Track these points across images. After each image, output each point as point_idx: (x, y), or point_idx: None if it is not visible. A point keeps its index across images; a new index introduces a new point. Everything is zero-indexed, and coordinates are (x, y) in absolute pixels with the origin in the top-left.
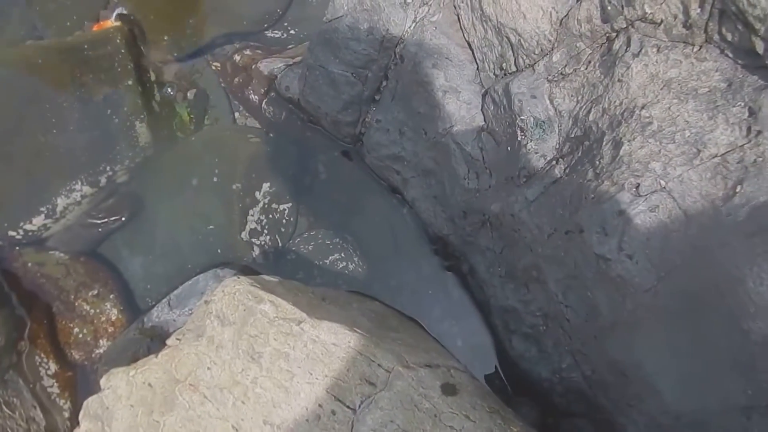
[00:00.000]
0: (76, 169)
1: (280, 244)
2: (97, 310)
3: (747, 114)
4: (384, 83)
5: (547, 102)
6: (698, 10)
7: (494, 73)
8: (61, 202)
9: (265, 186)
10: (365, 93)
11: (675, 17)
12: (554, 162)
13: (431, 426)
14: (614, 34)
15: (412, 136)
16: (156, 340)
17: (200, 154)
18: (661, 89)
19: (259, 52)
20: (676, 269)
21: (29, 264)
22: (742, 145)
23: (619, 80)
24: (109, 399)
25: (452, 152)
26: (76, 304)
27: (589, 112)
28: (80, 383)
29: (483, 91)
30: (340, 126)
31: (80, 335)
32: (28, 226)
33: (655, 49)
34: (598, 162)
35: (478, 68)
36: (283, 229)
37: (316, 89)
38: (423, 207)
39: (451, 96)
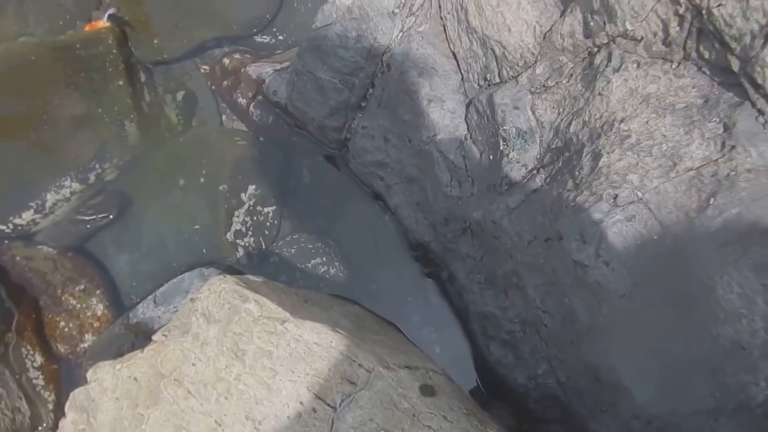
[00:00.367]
0: (66, 166)
1: (263, 247)
2: (84, 305)
3: (722, 129)
4: (370, 90)
5: (530, 113)
6: (677, 28)
7: (478, 84)
8: (50, 197)
9: (251, 188)
10: (352, 99)
11: (655, 34)
12: (535, 171)
13: (409, 425)
14: (596, 49)
15: (397, 143)
16: (140, 336)
17: (188, 155)
18: (640, 104)
19: (248, 56)
20: (651, 276)
21: (17, 258)
22: (717, 160)
23: (599, 94)
24: (95, 391)
25: (435, 160)
26: (63, 298)
27: (570, 124)
28: (64, 376)
29: (467, 101)
30: (326, 131)
31: (66, 329)
32: (17, 221)
33: (635, 65)
34: (577, 173)
35: (462, 78)
36: (267, 232)
37: (304, 94)
38: (405, 214)
39: (435, 105)
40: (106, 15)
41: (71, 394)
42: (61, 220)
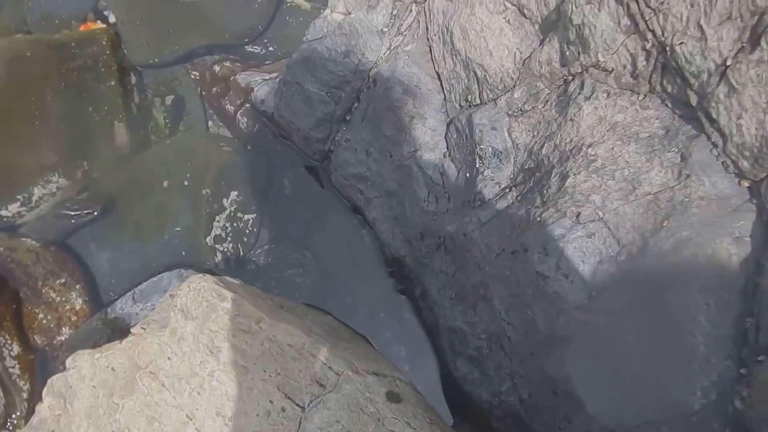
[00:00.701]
0: (54, 162)
1: (241, 253)
2: (63, 299)
3: (679, 159)
4: (356, 104)
5: (506, 134)
6: (644, 63)
7: (459, 104)
8: (37, 191)
9: (233, 194)
10: (337, 112)
11: (624, 67)
12: (507, 189)
13: (374, 429)
14: (570, 78)
15: (378, 157)
16: (117, 332)
17: (173, 158)
18: (607, 131)
19: (238, 64)
20: (606, 290)
21: (1, 248)
22: (673, 186)
23: (571, 120)
24: (73, 378)
25: (415, 175)
26: (43, 291)
27: (542, 146)
28: (40, 367)
29: (448, 120)
30: (310, 142)
31: (44, 321)
32: (3, 212)
33: (605, 94)
34: (546, 191)
35: (445, 98)
36: (245, 239)
37: (291, 105)
38: (383, 228)
39: (417, 122)
40: (102, 16)
41: (49, 380)
42: (46, 214)
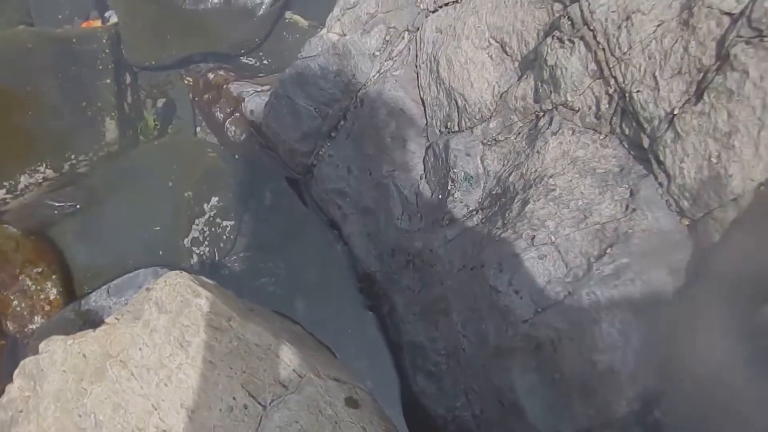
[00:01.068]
0: (43, 153)
1: (217, 258)
2: (38, 288)
3: (628, 194)
4: (342, 122)
5: (479, 161)
6: (607, 106)
7: (440, 130)
8: (23, 180)
9: (214, 200)
10: (323, 128)
11: (589, 108)
12: (474, 212)
13: (330, 431)
14: (542, 114)
15: (359, 174)
16: (89, 324)
17: (159, 159)
18: (569, 164)
19: (232, 74)
20: (551, 307)
21: None
22: (620, 218)
23: (538, 152)
24: (44, 362)
25: (391, 194)
26: (20, 278)
27: (510, 174)
28: (10, 353)
29: (428, 143)
30: (295, 155)
31: (18, 308)
32: None
33: (570, 131)
34: (507, 215)
35: (427, 123)
36: (222, 244)
37: (280, 117)
38: (357, 243)
39: (398, 143)
40: (105, 16)
41: (21, 363)
42: (30, 203)
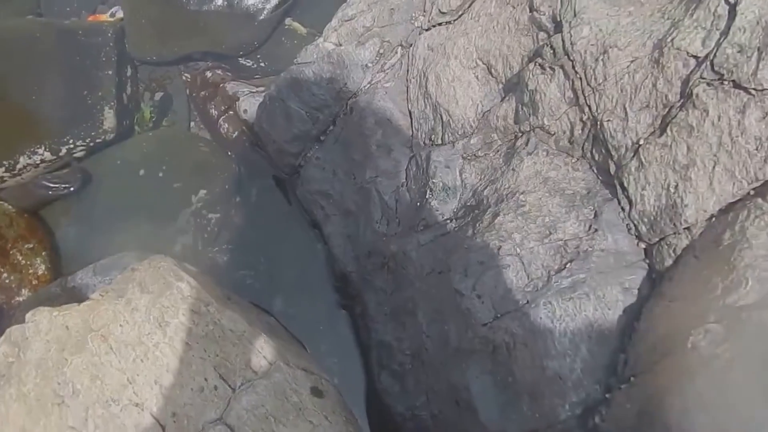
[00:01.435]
0: (43, 136)
1: (200, 248)
2: (28, 263)
3: (593, 216)
4: (331, 127)
5: (457, 174)
6: (580, 131)
7: (424, 142)
8: (22, 160)
9: (202, 192)
10: (313, 131)
11: (564, 132)
12: (449, 221)
13: (294, 417)
14: (520, 134)
15: (343, 178)
16: (73, 300)
17: (153, 150)
18: (540, 183)
19: (229, 74)
20: (509, 313)
21: None
22: (582, 237)
23: (513, 169)
24: (30, 331)
25: (372, 198)
26: (11, 252)
27: (485, 188)
28: None
29: (411, 154)
30: (283, 155)
31: (7, 281)
32: None
33: (545, 153)
34: (478, 225)
35: (412, 135)
36: (206, 236)
37: (272, 118)
38: (336, 243)
39: (383, 151)
40: (111, 11)
41: (8, 330)
42: (27, 182)
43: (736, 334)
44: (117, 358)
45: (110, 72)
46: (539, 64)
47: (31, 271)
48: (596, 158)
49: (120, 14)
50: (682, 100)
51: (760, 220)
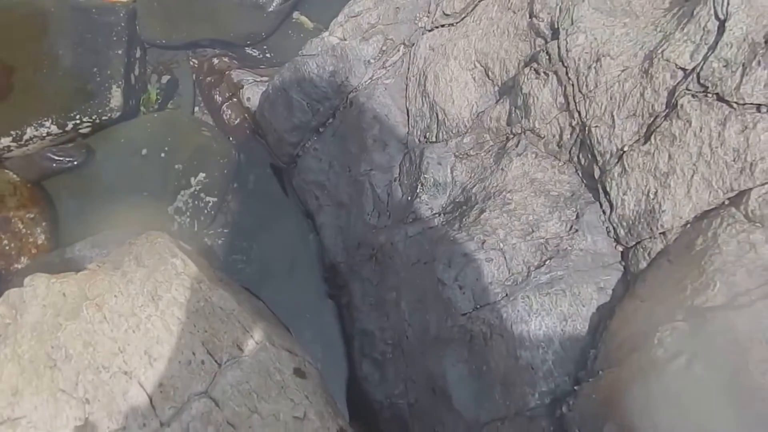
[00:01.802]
0: (51, 110)
1: (196, 229)
2: (28, 231)
3: (574, 217)
4: (330, 120)
5: (448, 171)
6: (569, 136)
7: (419, 139)
8: (29, 132)
9: (201, 175)
10: (312, 123)
11: (553, 136)
12: (437, 215)
13: (276, 394)
14: (512, 136)
15: (339, 170)
16: (70, 269)
17: (156, 131)
18: (527, 183)
19: (235, 62)
20: (488, 305)
21: None
22: (562, 237)
23: (502, 169)
24: (27, 295)
25: (365, 191)
26: (13, 220)
27: (474, 186)
28: None
29: (406, 150)
30: (283, 144)
31: (7, 247)
32: None
33: (534, 155)
34: (465, 220)
35: (408, 132)
36: (202, 218)
37: (274, 107)
38: (328, 233)
39: (379, 146)
40: None
41: (6, 292)
42: (32, 154)
43: (700, 333)
44: (110, 327)
45: (120, 52)
46: (534, 69)
47: (31, 239)
48: (582, 162)
49: None
50: (667, 110)
51: (732, 228)
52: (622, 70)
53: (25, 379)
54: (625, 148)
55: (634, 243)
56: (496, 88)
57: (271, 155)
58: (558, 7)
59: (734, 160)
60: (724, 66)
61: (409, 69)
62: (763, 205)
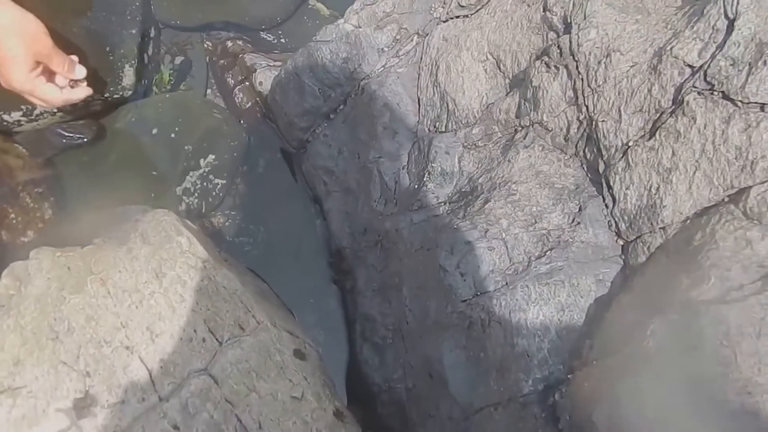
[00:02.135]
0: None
1: (203, 210)
2: (36, 206)
3: (577, 210)
4: (341, 106)
5: (456, 161)
6: (576, 130)
7: (428, 129)
8: (40, 107)
9: (211, 157)
10: (323, 108)
11: (561, 129)
12: (443, 204)
13: (275, 374)
14: (520, 128)
15: (348, 156)
16: (76, 245)
17: (168, 111)
18: (532, 175)
19: (249, 46)
20: (488, 293)
21: None
22: (564, 228)
23: (508, 160)
24: (32, 267)
25: (374, 178)
26: (21, 194)
27: (480, 176)
28: None
29: (415, 139)
30: (293, 129)
31: (14, 221)
32: (5, 116)
33: (540, 147)
34: (469, 209)
35: (418, 121)
36: (210, 200)
37: (286, 92)
38: (334, 218)
39: (388, 133)
40: None
41: (12, 264)
42: (43, 129)
43: (692, 325)
44: (113, 302)
45: (134, 31)
46: (545, 62)
47: (38, 214)
48: (588, 157)
49: None
50: (673, 107)
51: (730, 225)
52: (631, 66)
53: (27, 350)
54: (630, 143)
55: (634, 237)
56: (507, 81)
57: (281, 140)
58: (571, 2)
59: (736, 158)
60: (731, 65)
61: (422, 59)
62: (761, 202)
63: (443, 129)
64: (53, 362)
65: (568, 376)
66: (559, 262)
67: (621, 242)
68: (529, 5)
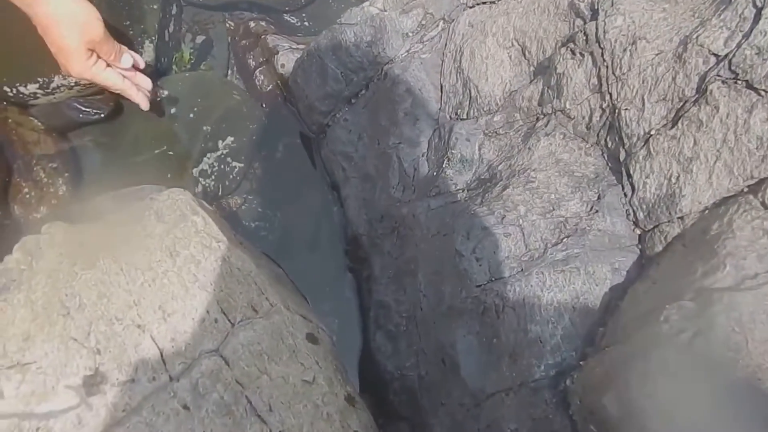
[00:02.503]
0: None
1: (219, 193)
2: (50, 181)
3: (596, 198)
4: (363, 91)
5: (476, 148)
6: (598, 119)
7: (450, 116)
8: (57, 80)
9: (229, 139)
10: (345, 93)
11: (583, 118)
12: (461, 191)
13: (287, 357)
14: (542, 116)
15: (368, 142)
16: (89, 222)
17: (187, 91)
18: (552, 163)
19: (272, 27)
20: (503, 278)
21: (10, 120)
22: (582, 216)
23: (528, 148)
24: (44, 242)
25: (392, 164)
26: (35, 169)
27: (500, 164)
28: (12, 233)
29: (436, 126)
30: (313, 112)
31: (27, 196)
32: (21, 89)
33: (561, 136)
34: (487, 195)
35: (440, 107)
36: (227, 182)
37: (307, 74)
38: (352, 205)
39: (409, 119)
40: None
41: (23, 238)
42: (59, 103)
43: (705, 312)
44: (125, 280)
45: (155, 6)
46: (570, 49)
47: (52, 189)
48: (609, 145)
49: None
50: (696, 96)
51: (748, 215)
52: (657, 54)
53: (37, 325)
54: (652, 132)
55: (652, 226)
56: (532, 68)
57: (300, 124)
58: None
59: (757, 148)
60: (756, 53)
61: (446, 45)
62: None
63: (465, 116)
64: (63, 338)
65: (581, 362)
66: (576, 250)
67: (638, 231)
68: None
